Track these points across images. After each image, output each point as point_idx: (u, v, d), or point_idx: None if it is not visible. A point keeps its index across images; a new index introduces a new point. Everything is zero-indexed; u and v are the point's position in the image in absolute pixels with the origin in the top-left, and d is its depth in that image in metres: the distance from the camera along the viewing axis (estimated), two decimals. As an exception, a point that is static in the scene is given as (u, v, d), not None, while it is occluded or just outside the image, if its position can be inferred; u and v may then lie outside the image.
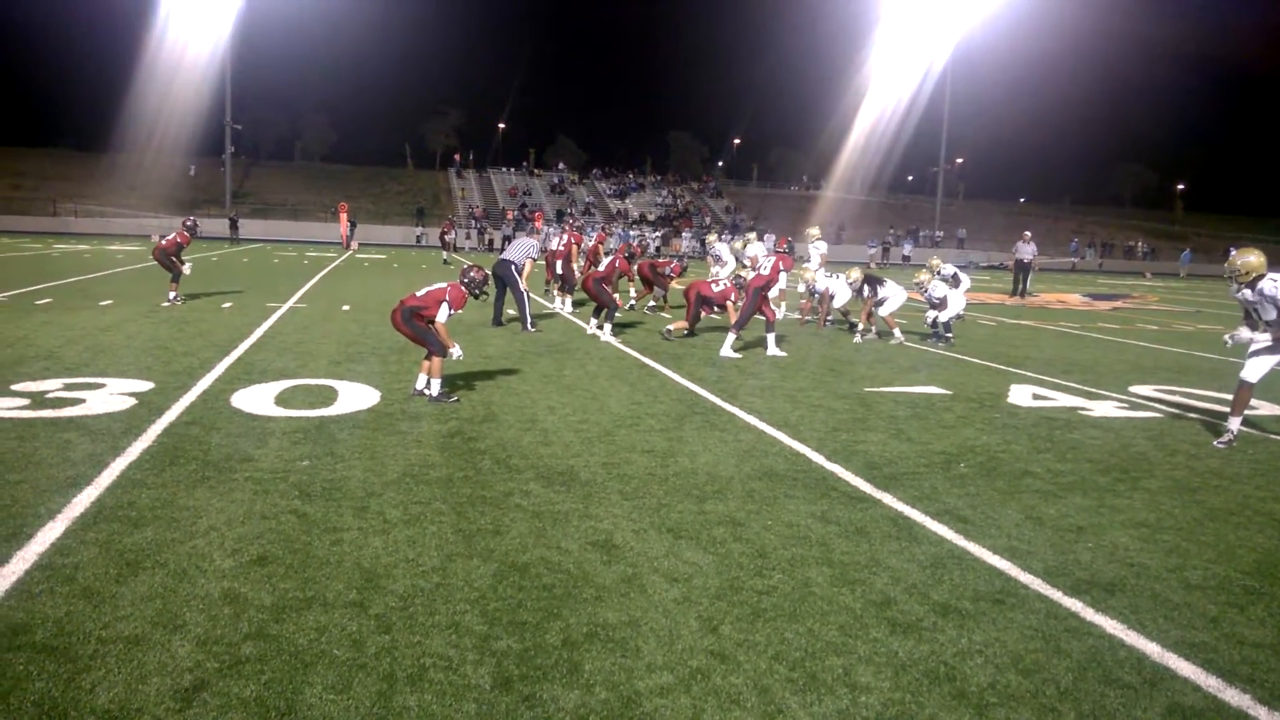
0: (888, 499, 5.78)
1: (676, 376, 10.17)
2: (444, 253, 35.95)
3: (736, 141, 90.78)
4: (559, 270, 18.11)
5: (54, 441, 6.39)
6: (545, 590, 4.17)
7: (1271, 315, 7.57)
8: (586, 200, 71.83)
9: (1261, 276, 7.58)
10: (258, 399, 8.04)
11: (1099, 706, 3.32)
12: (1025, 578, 4.54)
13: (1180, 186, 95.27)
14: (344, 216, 49.41)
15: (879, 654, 3.66)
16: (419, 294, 8.44)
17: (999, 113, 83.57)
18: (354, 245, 46.16)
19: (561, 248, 18.12)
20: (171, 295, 15.81)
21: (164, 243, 16.34)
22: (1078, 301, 27.48)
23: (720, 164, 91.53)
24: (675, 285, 18.70)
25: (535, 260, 15.10)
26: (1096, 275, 55.10)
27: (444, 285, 8.47)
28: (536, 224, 51.68)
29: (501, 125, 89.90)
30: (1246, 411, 7.96)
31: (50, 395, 7.84)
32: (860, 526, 5.22)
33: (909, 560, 4.73)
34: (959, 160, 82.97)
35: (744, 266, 16.37)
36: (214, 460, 6.11)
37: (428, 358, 8.32)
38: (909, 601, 4.19)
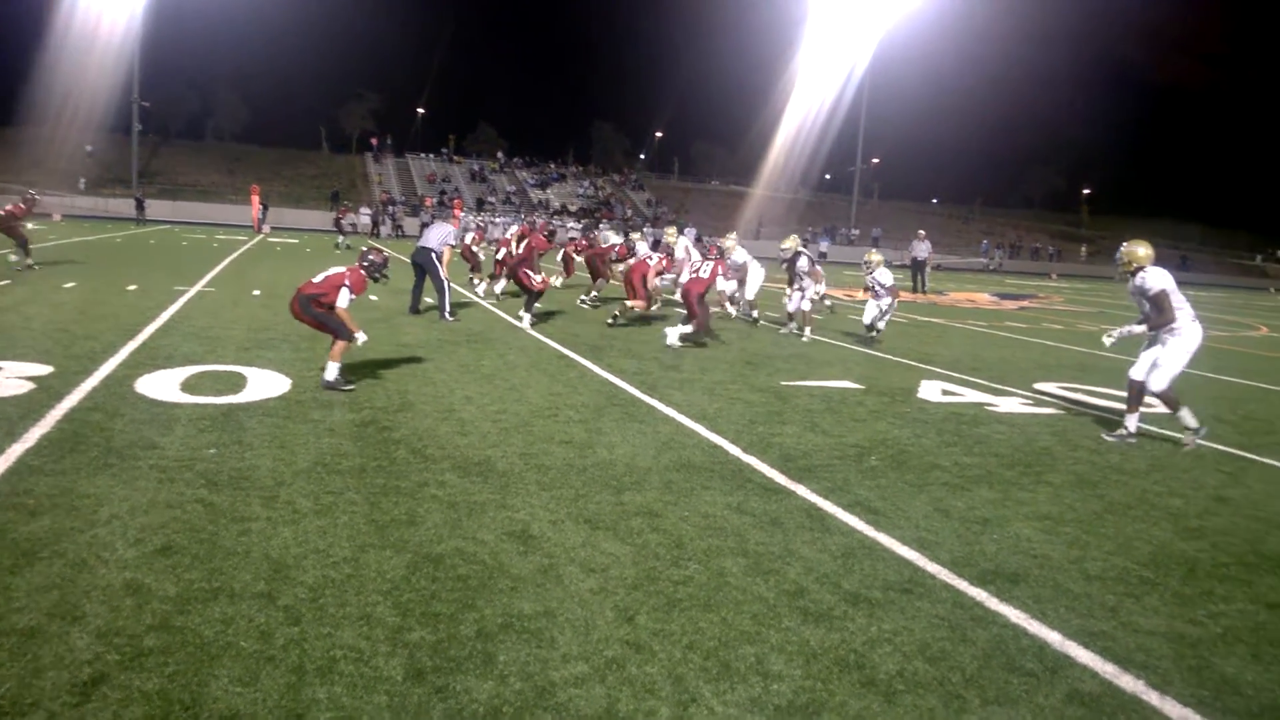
0: (802, 490, 5.87)
1: (596, 368, 10.16)
2: (339, 238, 35.09)
3: (659, 135, 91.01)
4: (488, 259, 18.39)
5: (-57, 426, 6.10)
6: (460, 581, 4.13)
7: (1146, 307, 7.91)
8: (508, 189, 71.24)
9: (1141, 268, 7.90)
10: (163, 385, 7.79)
11: (1002, 693, 3.42)
12: (933, 568, 4.65)
13: (1086, 190, 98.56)
14: (256, 199, 48.17)
15: (791, 642, 3.72)
16: (316, 280, 8.23)
17: (916, 115, 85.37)
18: (266, 229, 45.05)
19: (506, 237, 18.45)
20: (24, 260, 17.17)
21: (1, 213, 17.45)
22: (986, 301, 28.24)
23: (643, 157, 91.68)
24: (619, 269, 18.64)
25: (454, 247, 14.94)
26: (1004, 275, 56.67)
27: (343, 270, 8.28)
28: (456, 211, 51.07)
29: (421, 110, 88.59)
30: (1143, 409, 8.25)
31: (-61, 378, 7.48)
32: (775, 517, 5.29)
33: (821, 550, 4.81)
34: (875, 160, 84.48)
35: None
36: (117, 447, 5.90)
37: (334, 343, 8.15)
38: (821, 591, 4.26)
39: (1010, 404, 9.58)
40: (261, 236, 39.68)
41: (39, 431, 6.14)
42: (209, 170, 66.22)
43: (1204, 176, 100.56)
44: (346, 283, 8.09)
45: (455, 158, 77.67)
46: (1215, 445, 8.01)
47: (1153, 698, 3.47)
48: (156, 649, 3.37)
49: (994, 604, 4.25)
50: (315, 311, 8.09)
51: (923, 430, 7.98)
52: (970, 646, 3.79)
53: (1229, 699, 3.51)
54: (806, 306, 14.74)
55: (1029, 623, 4.06)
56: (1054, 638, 3.93)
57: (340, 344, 8.09)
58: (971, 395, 9.96)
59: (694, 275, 13.03)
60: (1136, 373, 8.10)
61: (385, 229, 52.20)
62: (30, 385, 7.42)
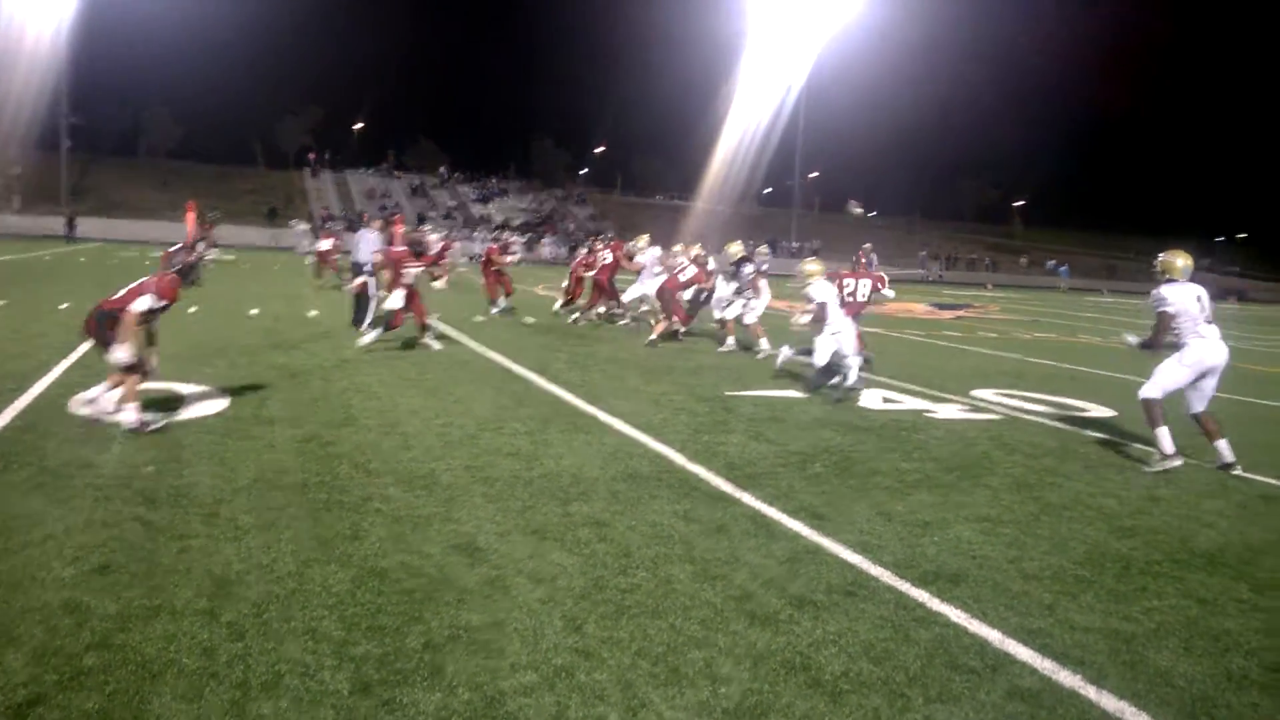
0: (747, 498, 5.93)
1: (541, 380, 10.15)
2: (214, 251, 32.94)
3: (600, 150, 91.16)
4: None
5: None
6: (406, 594, 4.11)
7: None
8: (449, 204, 70.81)
9: (1171, 279, 7.60)
10: (100, 403, 7.60)
11: (945, 690, 3.49)
12: (876, 570, 4.73)
13: (1019, 202, 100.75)
14: (192, 216, 47.27)
15: (739, 646, 3.76)
16: (118, 294, 7.12)
17: (854, 129, 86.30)
18: (203, 246, 44.20)
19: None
20: None
21: None
22: (923, 311, 28.71)
23: (584, 171, 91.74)
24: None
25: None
26: (941, 286, 57.69)
27: (151, 279, 7.21)
28: (397, 226, 50.52)
29: (359, 125, 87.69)
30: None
31: None
32: (721, 525, 5.34)
33: (767, 556, 4.86)
34: (814, 174, 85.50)
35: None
36: (51, 466, 5.76)
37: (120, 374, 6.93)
38: (767, 595, 4.31)
39: (949, 410, 9.76)
40: (199, 254, 38.88)
41: (-34, 452, 5.98)
42: (142, 187, 64.79)
43: (1138, 187, 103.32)
44: (153, 289, 7.05)
45: (396, 172, 77.02)
46: (1151, 448, 8.22)
47: (1090, 692, 3.57)
48: (96, 668, 3.31)
49: (936, 604, 4.33)
50: (108, 333, 6.89)
51: (864, 437, 8.10)
52: (913, 646, 3.86)
53: (1162, 691, 3.62)
54: (751, 320, 14.63)
55: (970, 622, 4.15)
56: (994, 636, 4.02)
57: (131, 380, 6.84)
58: (911, 403, 10.13)
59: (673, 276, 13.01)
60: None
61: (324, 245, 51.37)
62: (-42, 405, 7.22)
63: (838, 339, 10.26)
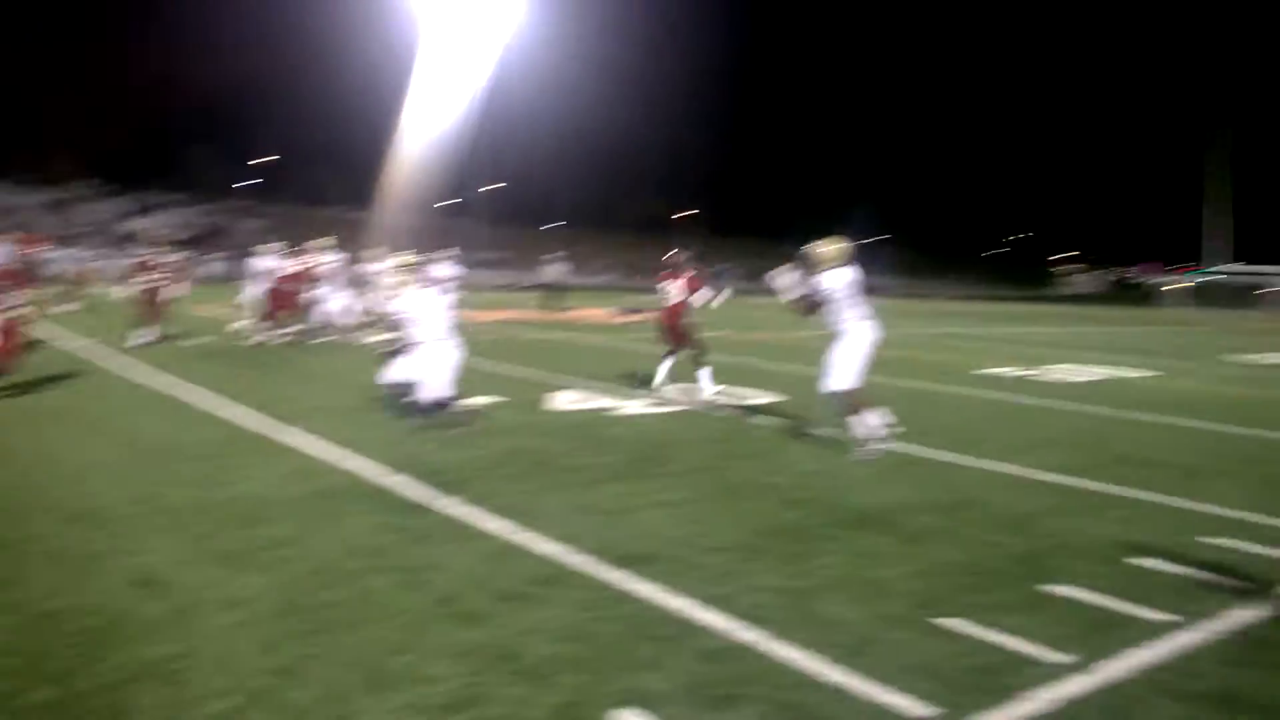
0: (448, 503, 5.95)
1: (214, 401, 9.55)
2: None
3: (268, 159, 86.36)
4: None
5: None
6: (82, 635, 3.78)
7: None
8: (93, 220, 64.30)
9: (829, 267, 7.97)
10: None
11: (640, 660, 3.73)
12: (576, 559, 4.93)
13: (686, 213, 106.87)
14: None
15: (446, 646, 3.80)
16: None
17: (535, 141, 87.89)
18: None
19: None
20: None
21: None
22: (606, 315, 29.83)
23: (254, 182, 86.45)
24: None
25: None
26: (623, 292, 60.09)
27: None
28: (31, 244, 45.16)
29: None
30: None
31: None
32: (423, 532, 5.34)
33: (470, 556, 4.93)
34: (499, 184, 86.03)
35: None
36: None
37: None
38: (472, 594, 4.38)
39: (635, 406, 10.26)
40: None
41: None
42: None
43: (792, 197, 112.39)
44: None
45: (35, 185, 68.62)
46: (813, 431, 9.09)
47: (774, 646, 3.94)
48: None
49: (631, 583, 4.60)
50: None
51: (557, 436, 8.36)
52: (611, 624, 4.09)
53: (831, 636, 4.06)
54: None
55: (662, 595, 4.45)
56: (684, 605, 4.33)
57: None
58: (599, 401, 10.56)
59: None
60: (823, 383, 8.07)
61: None
62: None
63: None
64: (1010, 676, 3.68)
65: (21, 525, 5.21)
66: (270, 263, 17.32)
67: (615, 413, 9.83)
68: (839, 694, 3.51)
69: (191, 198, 74.50)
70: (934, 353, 19.39)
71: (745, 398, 11.16)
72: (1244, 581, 4.84)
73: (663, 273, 11.60)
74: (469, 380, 11.91)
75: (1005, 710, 3.41)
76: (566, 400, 10.58)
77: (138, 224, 64.33)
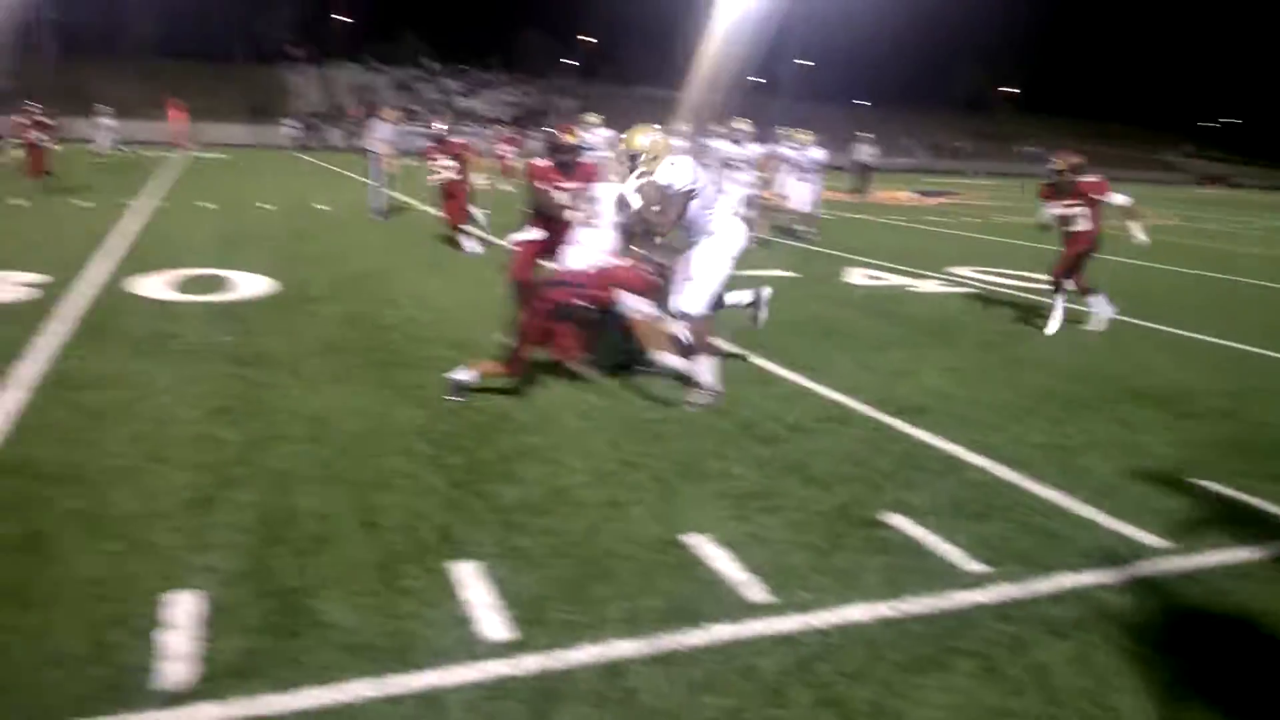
0: (751, 355, 6.83)
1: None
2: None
3: (590, 39, 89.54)
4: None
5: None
6: (476, 426, 5.01)
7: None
8: (433, 98, 70.11)
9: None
10: (157, 287, 8.42)
11: (911, 481, 4.45)
12: (857, 405, 5.67)
13: (1009, 90, 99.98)
14: (176, 114, 46.98)
15: (748, 456, 4.70)
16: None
17: (847, 16, 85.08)
18: (191, 145, 44.17)
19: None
20: None
21: None
22: (907, 198, 29.36)
23: (574, 62, 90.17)
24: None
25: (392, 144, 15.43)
26: (924, 174, 58.05)
27: None
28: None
29: (339, 17, 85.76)
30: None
31: (-55, 286, 8.03)
32: (731, 376, 6.24)
33: (767, 397, 5.79)
34: (805, 61, 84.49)
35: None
36: (140, 338, 6.60)
37: None
38: (769, 423, 5.25)
39: (928, 285, 10.64)
40: (188, 152, 39.02)
41: (62, 328, 6.80)
42: (123, 86, 63.91)
43: (1125, 75, 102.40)
44: None
45: (379, 66, 75.87)
46: (1125, 318, 9.11)
47: (1028, 483, 4.52)
48: (243, 477, 4.21)
49: (906, 428, 5.28)
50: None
51: (850, 308, 9.00)
52: (886, 455, 4.82)
53: (1086, 481, 4.57)
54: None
55: (933, 439, 5.11)
56: (953, 448, 4.98)
57: None
58: (892, 279, 11.01)
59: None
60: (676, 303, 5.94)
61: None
62: (37, 291, 8.01)
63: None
64: (1251, 528, 4.07)
65: (422, 350, 6.63)
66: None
67: (909, 290, 10.28)
68: (1081, 521, 4.08)
69: (516, 78, 79.06)
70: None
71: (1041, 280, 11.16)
72: None
73: (1071, 196, 8.52)
74: (773, 256, 12.71)
75: (1233, 552, 3.84)
76: (860, 276, 11.12)
77: (472, 103, 69.42)
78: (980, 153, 76.76)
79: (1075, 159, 8.48)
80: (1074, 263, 8.41)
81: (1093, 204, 8.37)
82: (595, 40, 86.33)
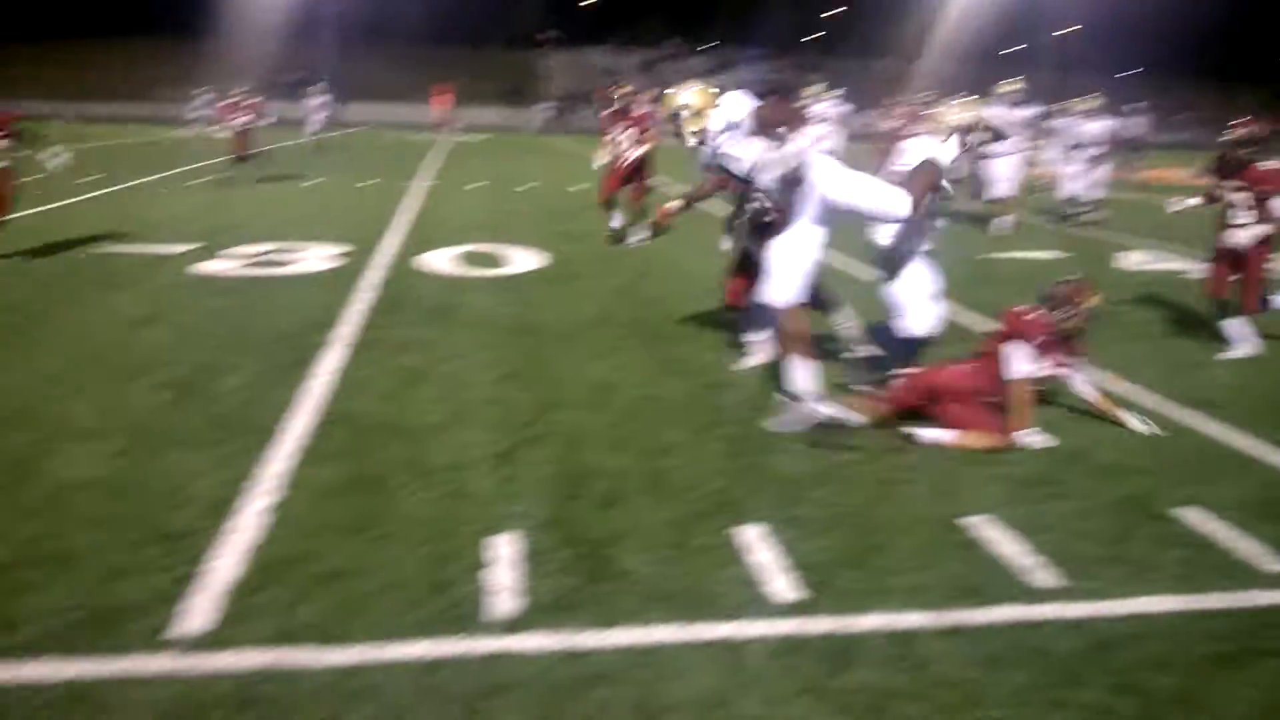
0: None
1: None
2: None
3: (835, 12, 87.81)
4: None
5: (289, 292, 7.63)
6: (745, 401, 5.18)
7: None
8: (677, 78, 71.11)
9: None
10: (441, 261, 9.15)
11: (1202, 476, 4.24)
12: (1146, 397, 5.40)
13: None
14: (440, 99, 50.08)
15: (1029, 452, 4.61)
16: None
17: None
18: (454, 128, 46.95)
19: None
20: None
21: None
22: (1186, 176, 27.04)
23: (817, 37, 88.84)
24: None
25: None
26: (1206, 152, 53.21)
27: None
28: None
29: (588, 1, 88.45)
30: None
31: (263, 258, 9.07)
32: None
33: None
34: (1075, 27, 79.11)
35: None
36: (431, 307, 7.23)
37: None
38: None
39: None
40: (453, 135, 41.55)
41: (366, 296, 7.55)
42: (387, 71, 68.85)
43: None
44: None
45: (628, 46, 77.78)
46: None
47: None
48: (537, 436, 4.57)
49: (1196, 420, 5.01)
50: None
51: (1123, 291, 8.46)
52: (1177, 449, 4.61)
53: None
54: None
55: (1227, 434, 4.82)
56: (1249, 444, 4.68)
57: None
58: (1169, 264, 10.29)
59: None
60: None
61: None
62: (344, 260, 8.93)
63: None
64: None
65: (682, 326, 6.89)
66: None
67: (1186, 275, 9.58)
68: None
69: (761, 54, 78.87)
70: None
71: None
72: None
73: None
74: (1037, 237, 12.18)
75: None
76: (1135, 260, 10.47)
77: (722, 79, 69.82)
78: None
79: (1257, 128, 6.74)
80: None
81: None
82: (840, 11, 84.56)
